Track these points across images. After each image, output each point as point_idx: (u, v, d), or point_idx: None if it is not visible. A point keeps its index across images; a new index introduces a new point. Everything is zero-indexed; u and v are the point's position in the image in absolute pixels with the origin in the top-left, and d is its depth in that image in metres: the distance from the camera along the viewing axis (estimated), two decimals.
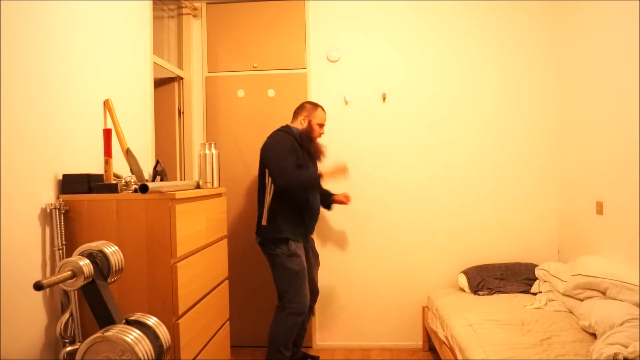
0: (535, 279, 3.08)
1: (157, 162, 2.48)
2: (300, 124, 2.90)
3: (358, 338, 3.46)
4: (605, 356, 1.88)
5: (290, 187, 2.73)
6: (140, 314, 1.61)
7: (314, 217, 2.92)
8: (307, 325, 3.13)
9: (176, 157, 3.44)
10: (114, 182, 2.05)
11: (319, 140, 2.98)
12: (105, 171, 2.06)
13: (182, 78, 3.44)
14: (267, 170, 2.77)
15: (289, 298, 2.75)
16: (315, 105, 2.94)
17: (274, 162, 2.73)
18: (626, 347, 1.88)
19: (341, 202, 3.09)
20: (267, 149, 2.80)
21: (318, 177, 2.77)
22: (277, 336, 2.76)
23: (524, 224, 3.39)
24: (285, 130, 2.85)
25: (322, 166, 3.01)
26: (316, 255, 3.09)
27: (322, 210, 3.16)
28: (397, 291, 3.44)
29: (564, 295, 2.65)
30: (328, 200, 3.11)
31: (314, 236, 3.33)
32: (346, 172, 2.83)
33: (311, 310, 3.11)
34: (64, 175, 1.97)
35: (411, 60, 3.43)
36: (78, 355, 1.44)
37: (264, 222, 2.77)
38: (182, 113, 3.47)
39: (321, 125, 2.95)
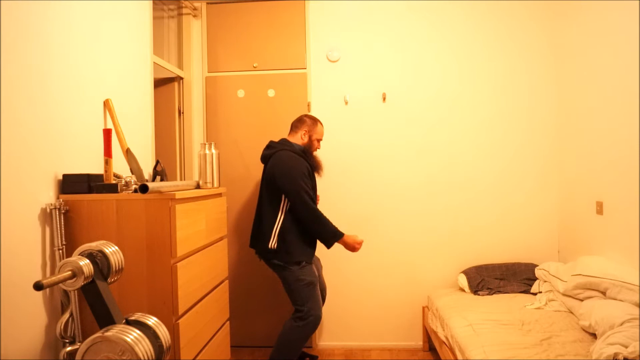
0: (535, 279, 3.08)
1: (157, 162, 2.48)
2: (300, 139, 2.87)
3: (358, 338, 3.46)
4: (605, 356, 1.88)
5: (308, 216, 2.69)
6: (140, 314, 1.61)
7: None
8: None
9: (176, 157, 3.44)
10: (114, 182, 2.05)
11: (316, 154, 2.98)
12: (105, 171, 2.06)
13: (182, 78, 3.44)
14: (282, 194, 2.71)
15: (308, 308, 2.71)
16: (315, 121, 2.92)
17: (294, 186, 2.65)
18: (626, 347, 1.88)
19: (350, 246, 2.83)
20: (283, 172, 2.69)
21: (338, 233, 2.75)
22: (291, 343, 2.72)
23: (524, 224, 3.39)
24: (291, 149, 2.79)
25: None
26: (318, 259, 3.10)
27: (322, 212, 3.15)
28: (397, 291, 3.44)
29: (564, 295, 2.65)
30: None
31: None
32: (358, 248, 2.81)
33: None
34: (64, 175, 1.97)
35: (411, 61, 3.43)
36: (78, 355, 1.44)
37: (272, 245, 2.70)
38: (182, 113, 3.47)
39: (319, 140, 2.94)
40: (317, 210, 2.71)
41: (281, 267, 2.74)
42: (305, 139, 2.87)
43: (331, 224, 2.75)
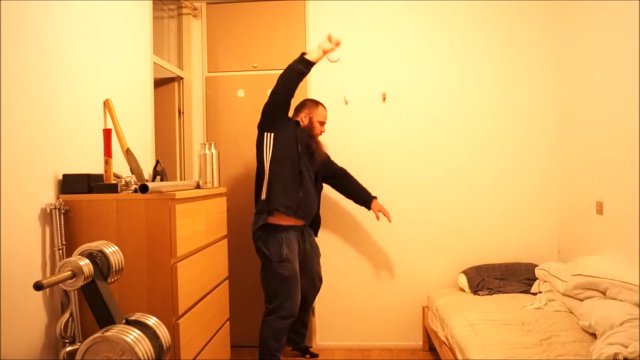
0: (535, 279, 3.07)
1: (157, 162, 2.48)
2: (301, 121, 2.90)
3: (358, 338, 3.46)
4: (605, 356, 1.88)
5: (280, 86, 2.76)
6: (140, 314, 1.62)
7: (308, 198, 2.85)
8: (307, 320, 3.19)
9: (176, 157, 3.44)
10: (114, 182, 2.05)
11: (320, 138, 2.99)
12: (105, 171, 2.06)
13: (182, 78, 3.44)
14: (264, 136, 2.78)
15: (278, 302, 2.74)
16: (316, 103, 2.95)
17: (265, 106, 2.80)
18: (626, 347, 1.88)
19: (378, 211, 3.09)
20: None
21: (299, 57, 2.74)
22: (268, 340, 2.75)
23: (524, 224, 3.39)
24: None
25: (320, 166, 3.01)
26: (315, 248, 3.08)
27: (321, 212, 3.15)
28: (397, 291, 3.44)
29: (564, 295, 2.64)
30: (368, 199, 3.13)
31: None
32: (336, 42, 2.74)
33: (310, 305, 3.15)
34: (64, 175, 1.97)
35: (411, 60, 3.43)
36: (78, 355, 1.44)
37: (263, 197, 2.75)
38: (182, 113, 3.47)
39: (322, 123, 2.95)
40: (279, 79, 2.77)
41: (264, 256, 2.76)
42: (306, 121, 2.90)
43: (290, 65, 2.77)
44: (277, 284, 2.75)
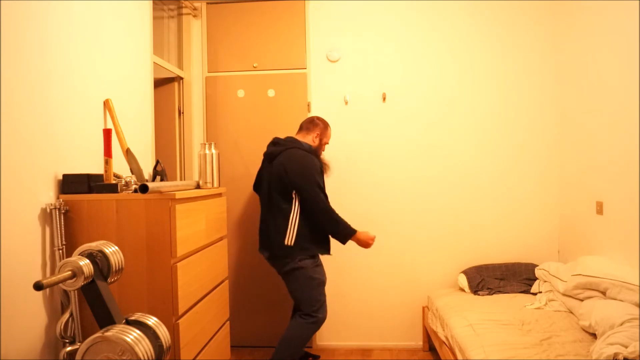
0: (535, 279, 3.08)
1: (157, 162, 2.48)
2: (312, 142, 2.87)
3: (358, 338, 3.46)
4: (605, 356, 1.88)
5: (322, 213, 2.68)
6: (140, 314, 1.62)
7: None
8: None
9: (176, 157, 3.44)
10: (114, 182, 2.05)
11: (322, 156, 3.00)
12: (105, 171, 2.06)
13: (182, 78, 3.44)
14: (294, 192, 2.69)
15: (318, 307, 2.71)
16: (326, 125, 2.94)
17: (309, 183, 2.65)
18: (626, 347, 1.88)
19: (363, 243, 2.82)
20: (297, 168, 2.68)
21: (350, 230, 2.74)
22: (297, 342, 2.71)
23: (524, 224, 3.39)
24: (301, 147, 2.78)
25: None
26: None
27: None
28: (397, 291, 3.44)
29: (564, 295, 2.65)
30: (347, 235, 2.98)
31: None
32: (371, 244, 2.80)
33: None
34: (64, 175, 1.97)
35: (411, 60, 3.43)
36: (78, 355, 1.44)
37: (289, 242, 2.66)
38: (182, 113, 3.47)
39: (327, 143, 2.97)
40: (331, 207, 2.71)
41: (294, 269, 2.69)
42: (317, 142, 2.89)
43: (344, 220, 2.74)
44: (315, 289, 2.71)
